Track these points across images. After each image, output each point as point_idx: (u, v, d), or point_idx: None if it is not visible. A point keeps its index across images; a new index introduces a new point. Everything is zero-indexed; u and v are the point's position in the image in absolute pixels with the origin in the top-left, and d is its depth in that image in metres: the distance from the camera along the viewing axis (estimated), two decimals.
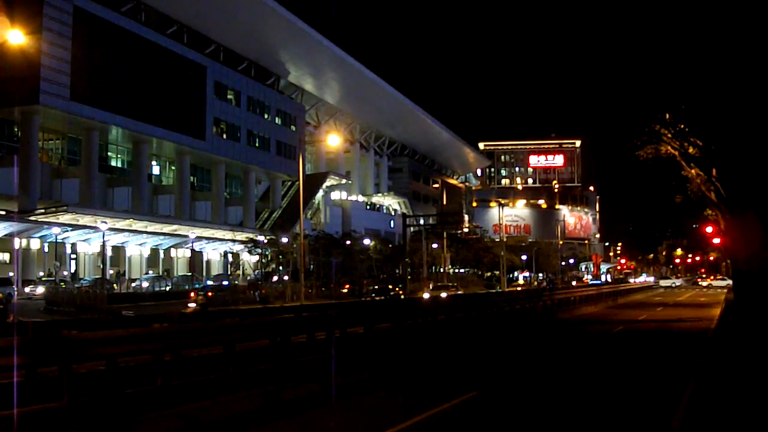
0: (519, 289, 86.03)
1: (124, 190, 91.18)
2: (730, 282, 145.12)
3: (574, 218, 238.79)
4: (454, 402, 16.89)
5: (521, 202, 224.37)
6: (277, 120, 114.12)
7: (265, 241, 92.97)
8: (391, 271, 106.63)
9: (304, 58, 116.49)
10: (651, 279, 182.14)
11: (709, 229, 75.05)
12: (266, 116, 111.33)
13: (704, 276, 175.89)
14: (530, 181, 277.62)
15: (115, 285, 75.31)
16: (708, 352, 25.03)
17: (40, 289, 65.89)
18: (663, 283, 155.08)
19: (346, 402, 17.29)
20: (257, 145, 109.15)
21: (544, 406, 17.11)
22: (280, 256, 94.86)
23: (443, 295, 62.72)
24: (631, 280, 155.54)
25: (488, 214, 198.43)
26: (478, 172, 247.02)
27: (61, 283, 69.59)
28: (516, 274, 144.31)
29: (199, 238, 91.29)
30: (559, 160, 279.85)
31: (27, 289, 68.49)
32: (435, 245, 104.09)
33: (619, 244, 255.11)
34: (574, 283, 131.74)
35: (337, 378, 19.84)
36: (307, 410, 16.66)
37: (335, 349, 23.50)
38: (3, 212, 70.62)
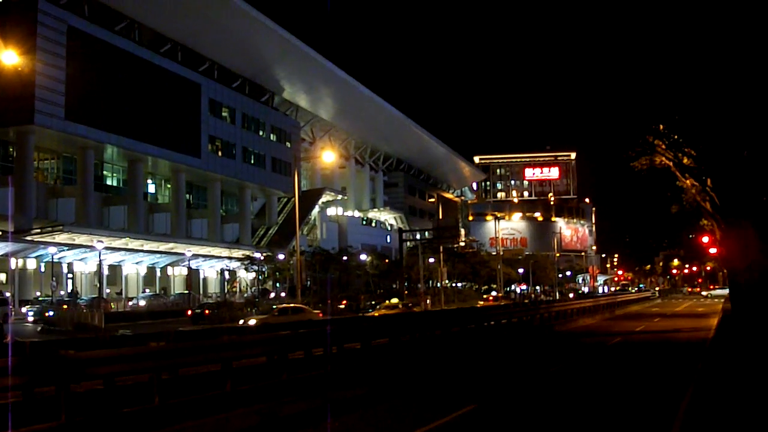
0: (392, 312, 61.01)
1: (119, 209, 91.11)
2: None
3: (570, 230, 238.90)
4: (453, 415, 16.87)
5: (517, 215, 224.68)
6: (272, 137, 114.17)
7: (262, 257, 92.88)
8: (388, 286, 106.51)
9: (298, 75, 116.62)
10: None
11: (705, 239, 75.21)
12: (261, 133, 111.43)
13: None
14: (526, 194, 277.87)
15: (112, 304, 75.12)
16: (705, 363, 25.03)
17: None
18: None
19: (345, 417, 17.25)
20: (252, 162, 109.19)
21: (543, 418, 17.11)
22: (277, 273, 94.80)
23: (251, 322, 48.02)
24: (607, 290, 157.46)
25: (484, 228, 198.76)
26: (474, 185, 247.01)
27: (63, 306, 69.19)
28: (513, 286, 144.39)
29: (196, 256, 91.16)
30: (554, 172, 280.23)
31: (24, 309, 68.33)
32: (432, 259, 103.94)
33: (616, 255, 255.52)
34: (571, 295, 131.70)
35: (335, 393, 19.85)
36: (305, 426, 16.64)
37: (333, 365, 23.53)
38: None
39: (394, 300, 72.66)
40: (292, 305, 59.95)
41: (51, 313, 59.86)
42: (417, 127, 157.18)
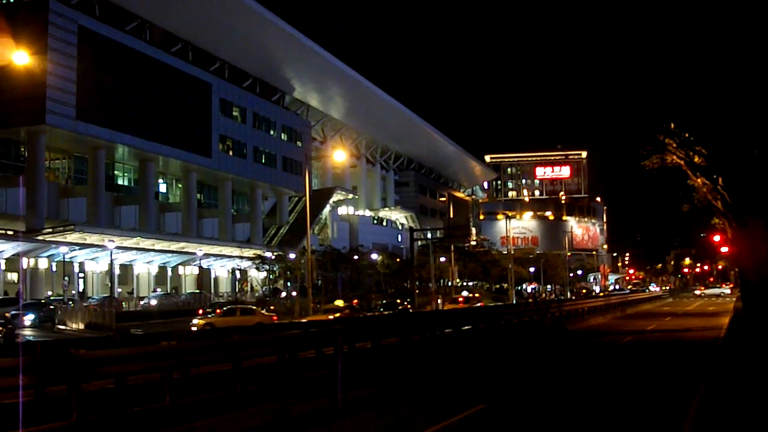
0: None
1: (131, 209, 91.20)
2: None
3: (581, 229, 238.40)
4: (463, 415, 16.86)
5: (528, 214, 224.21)
6: (283, 136, 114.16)
7: (273, 257, 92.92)
8: (399, 286, 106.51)
9: (309, 74, 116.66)
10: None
11: (716, 238, 75.04)
12: (272, 132, 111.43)
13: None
14: (537, 192, 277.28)
15: (123, 303, 75.28)
16: (717, 362, 24.96)
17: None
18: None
19: (355, 417, 17.28)
20: (263, 161, 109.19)
21: (553, 417, 17.09)
22: (288, 272, 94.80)
23: (194, 321, 50.91)
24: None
25: (496, 227, 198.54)
26: (485, 184, 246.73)
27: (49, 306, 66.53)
28: (524, 285, 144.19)
29: (207, 256, 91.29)
30: (565, 171, 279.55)
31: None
32: (443, 259, 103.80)
33: (627, 254, 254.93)
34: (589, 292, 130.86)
35: (345, 393, 19.84)
36: (315, 426, 16.66)
37: (343, 364, 23.51)
38: (11, 232, 70.68)
39: (339, 302, 65.76)
40: (240, 306, 58.41)
41: (32, 316, 56.72)
42: (428, 126, 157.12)
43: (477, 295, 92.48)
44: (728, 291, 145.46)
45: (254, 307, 56.50)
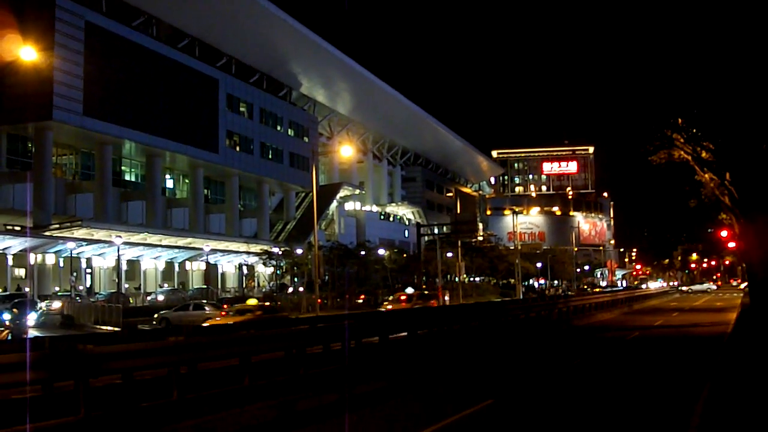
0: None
1: (138, 204, 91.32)
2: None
3: (588, 225, 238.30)
4: (470, 411, 16.85)
5: (535, 210, 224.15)
6: (290, 132, 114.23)
7: (280, 252, 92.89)
8: (407, 281, 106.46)
9: (315, 70, 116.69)
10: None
11: (723, 234, 74.92)
12: (279, 128, 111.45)
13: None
14: (544, 188, 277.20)
15: (131, 299, 75.34)
16: (723, 358, 24.92)
17: (57, 304, 65.92)
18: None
19: (362, 412, 17.28)
20: (270, 157, 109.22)
21: (560, 413, 17.08)
22: (295, 268, 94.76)
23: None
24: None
25: (502, 222, 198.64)
26: (492, 180, 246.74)
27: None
28: (531, 281, 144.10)
29: (214, 251, 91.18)
30: (572, 166, 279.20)
31: (43, 304, 68.50)
32: (450, 254, 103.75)
33: (634, 249, 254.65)
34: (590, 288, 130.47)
35: (353, 388, 19.85)
36: (322, 421, 16.67)
37: (350, 359, 23.53)
38: (18, 228, 70.76)
39: (252, 301, 54.66)
40: (193, 302, 58.40)
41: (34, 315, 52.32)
42: (435, 122, 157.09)
43: (423, 291, 76.68)
44: (714, 287, 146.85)
45: (205, 302, 57.21)
